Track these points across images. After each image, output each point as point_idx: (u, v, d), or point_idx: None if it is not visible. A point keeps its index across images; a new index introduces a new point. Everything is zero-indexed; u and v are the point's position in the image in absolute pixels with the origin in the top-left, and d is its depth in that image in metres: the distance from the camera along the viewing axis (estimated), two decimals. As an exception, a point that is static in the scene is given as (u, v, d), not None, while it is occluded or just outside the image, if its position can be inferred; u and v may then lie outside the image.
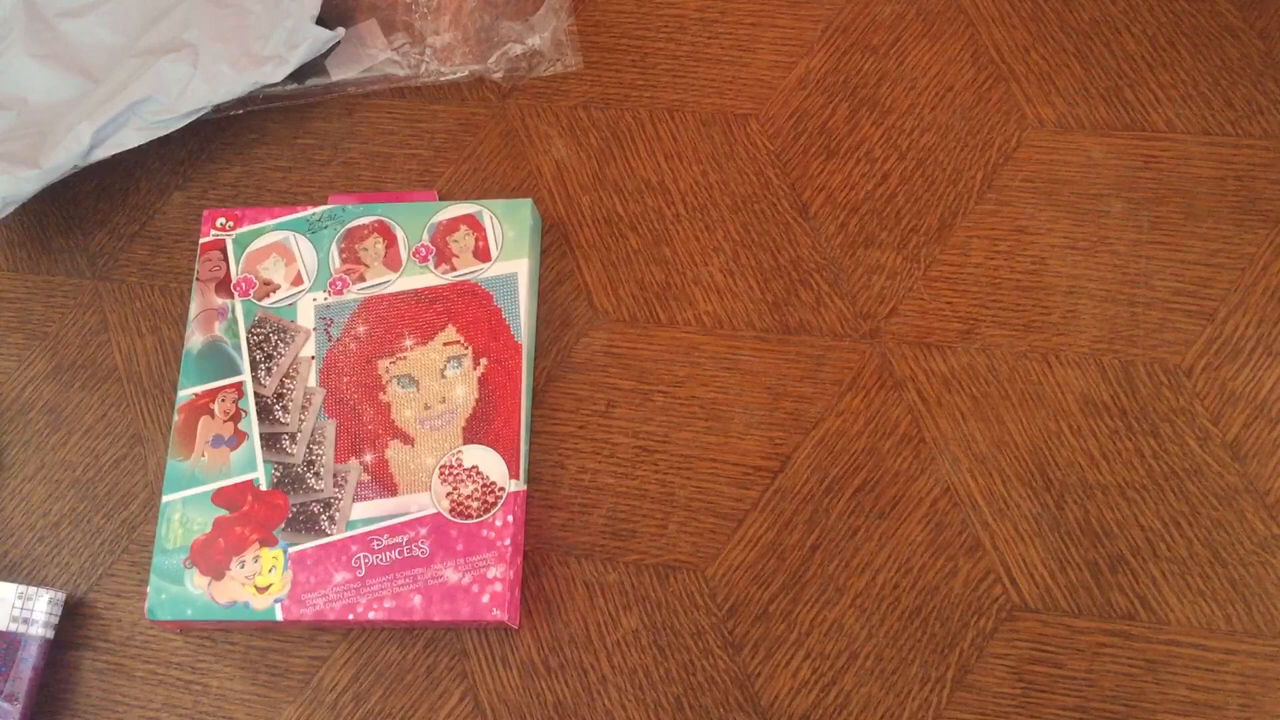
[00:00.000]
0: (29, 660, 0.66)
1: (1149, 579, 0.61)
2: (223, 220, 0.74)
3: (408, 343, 0.69)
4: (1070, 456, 0.64)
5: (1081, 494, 0.63)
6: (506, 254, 0.70)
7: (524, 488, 0.66)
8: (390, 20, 0.79)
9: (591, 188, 0.74)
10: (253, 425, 0.68)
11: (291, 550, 0.65)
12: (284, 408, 0.68)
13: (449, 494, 0.65)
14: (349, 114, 0.79)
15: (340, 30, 0.77)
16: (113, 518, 0.71)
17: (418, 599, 0.63)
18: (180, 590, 0.65)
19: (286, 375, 0.69)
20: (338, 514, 0.66)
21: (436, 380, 0.68)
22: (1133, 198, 0.69)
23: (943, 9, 0.75)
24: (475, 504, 0.65)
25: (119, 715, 0.67)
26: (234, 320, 0.71)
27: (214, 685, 0.66)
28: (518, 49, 0.78)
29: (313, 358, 0.69)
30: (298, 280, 0.71)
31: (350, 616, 0.63)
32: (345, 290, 0.71)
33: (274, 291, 0.71)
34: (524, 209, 0.71)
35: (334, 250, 0.72)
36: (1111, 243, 0.68)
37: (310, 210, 0.73)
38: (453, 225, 0.71)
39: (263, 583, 0.65)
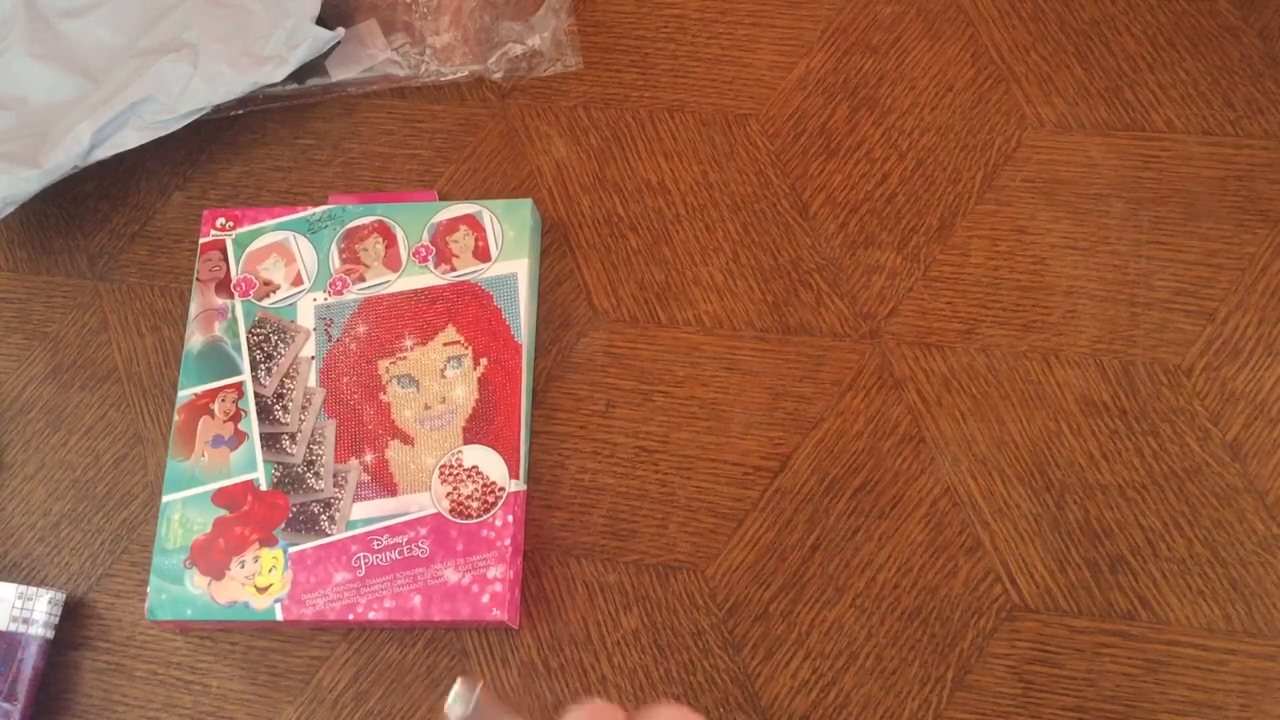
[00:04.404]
0: (29, 660, 0.66)
1: (1149, 579, 0.61)
2: (223, 220, 0.74)
3: (408, 343, 0.69)
4: (1070, 456, 0.64)
5: (1081, 494, 0.63)
6: (506, 254, 0.70)
7: (524, 488, 0.67)
8: (390, 20, 0.79)
9: (591, 188, 0.74)
10: (253, 425, 0.68)
11: (291, 550, 0.65)
12: (284, 408, 0.68)
13: (449, 494, 0.65)
14: (349, 114, 0.79)
15: (340, 30, 0.77)
16: (113, 518, 0.71)
17: (418, 599, 0.63)
18: (180, 590, 0.65)
19: (286, 375, 0.69)
20: (338, 514, 0.66)
21: (436, 380, 0.68)
22: (1133, 198, 0.69)
23: (943, 9, 0.75)
24: (475, 504, 0.65)
25: (119, 715, 0.67)
26: (234, 320, 0.71)
27: (214, 685, 0.66)
28: (518, 49, 0.78)
29: (313, 358, 0.69)
30: (298, 280, 0.71)
31: (350, 616, 0.63)
32: (345, 290, 0.71)
33: (274, 291, 0.71)
34: (524, 209, 0.71)
35: (334, 250, 0.72)
36: (1111, 243, 0.68)
37: (310, 210, 0.73)
38: (453, 225, 0.71)
39: (263, 583, 0.65)
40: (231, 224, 0.74)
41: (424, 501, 0.65)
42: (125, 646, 0.68)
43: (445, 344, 0.69)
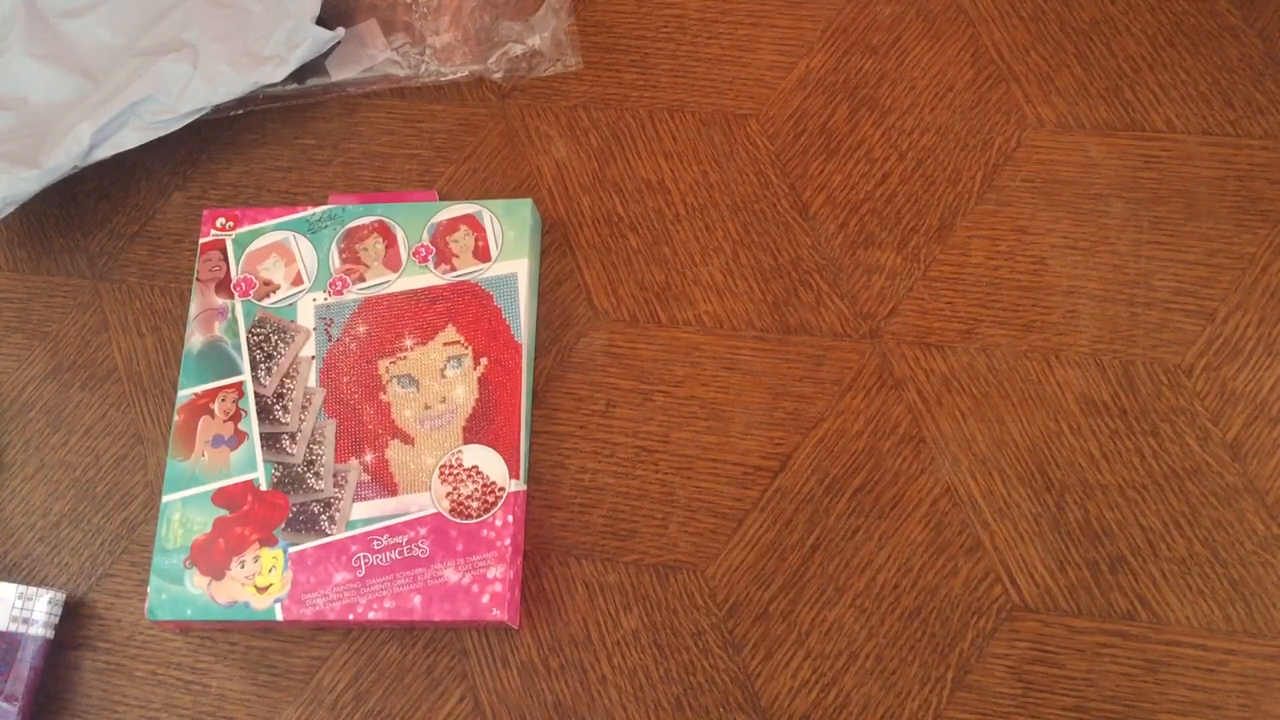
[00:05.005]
0: (29, 660, 0.66)
1: (1149, 579, 0.61)
2: (223, 220, 0.74)
3: (408, 343, 0.69)
4: (1070, 456, 0.64)
5: (1081, 494, 0.63)
6: (506, 254, 0.70)
7: (524, 488, 0.66)
8: (390, 20, 0.79)
9: (591, 188, 0.74)
10: (253, 425, 0.68)
11: (291, 550, 0.65)
12: (284, 408, 0.68)
13: (449, 494, 0.65)
14: (349, 114, 0.79)
15: (340, 30, 0.77)
16: (113, 518, 0.71)
17: (418, 599, 0.63)
18: (180, 590, 0.65)
19: (286, 375, 0.69)
20: (338, 514, 0.66)
21: (436, 380, 0.68)
22: (1133, 198, 0.69)
23: (943, 9, 0.75)
24: (475, 504, 0.65)
25: (119, 715, 0.67)
26: (234, 320, 0.71)
27: (214, 685, 0.66)
28: (518, 49, 0.78)
29: (313, 358, 0.69)
30: (298, 280, 0.71)
31: (350, 616, 0.63)
32: (345, 290, 0.71)
33: (274, 291, 0.71)
34: (524, 209, 0.71)
35: (334, 250, 0.72)
36: (1111, 243, 0.68)
37: (310, 210, 0.73)
38: (453, 225, 0.71)
39: (263, 583, 0.65)
40: (231, 224, 0.74)
41: (424, 501, 0.65)
42: (125, 646, 0.68)
43: (445, 344, 0.69)
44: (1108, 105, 0.71)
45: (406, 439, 0.67)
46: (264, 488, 0.67)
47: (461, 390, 0.67)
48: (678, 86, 0.76)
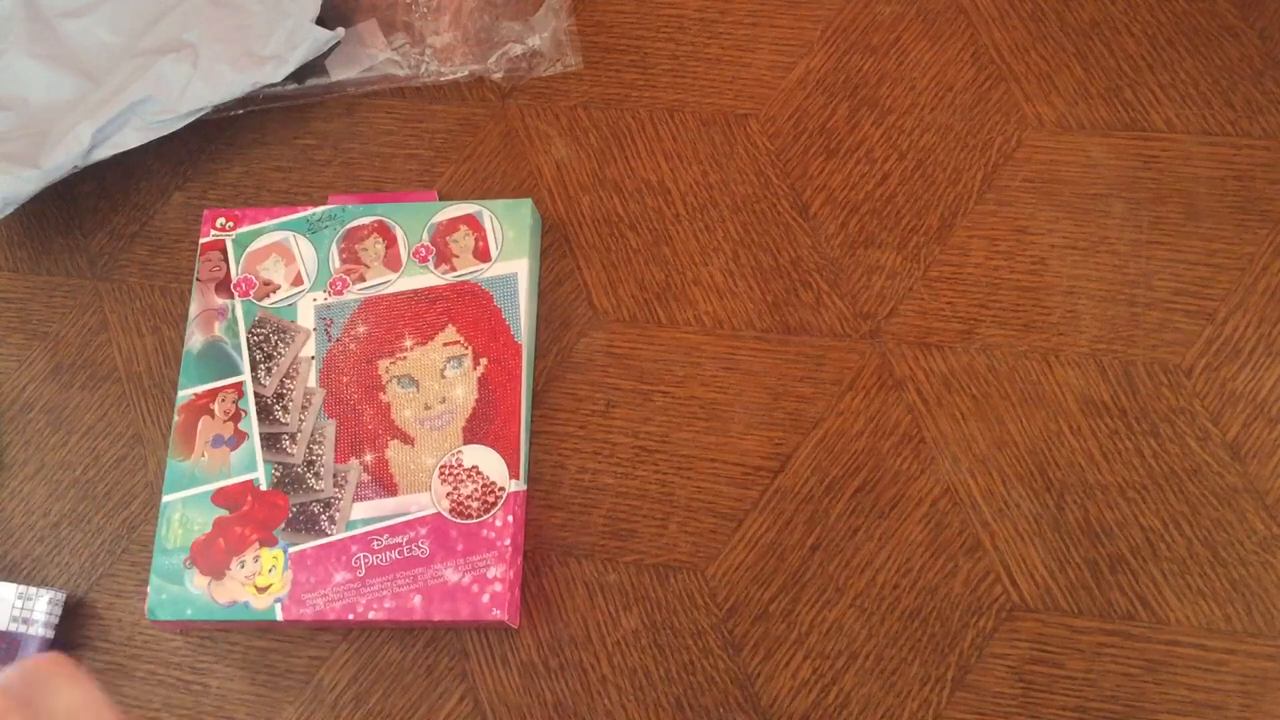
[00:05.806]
0: (29, 660, 0.66)
1: (1149, 579, 0.61)
2: (223, 220, 0.74)
3: (408, 343, 0.69)
4: (1070, 456, 0.64)
5: (1081, 494, 0.63)
6: (506, 254, 0.70)
7: (524, 488, 0.66)
8: (390, 20, 0.79)
9: (591, 188, 0.74)
10: (253, 425, 0.68)
11: (291, 550, 0.65)
12: (284, 408, 0.68)
13: (449, 494, 0.65)
14: (349, 114, 0.79)
15: (340, 30, 0.77)
16: (113, 518, 0.71)
17: (418, 599, 0.63)
18: (180, 590, 0.65)
19: (286, 375, 0.69)
20: (338, 514, 0.66)
21: (436, 380, 0.68)
22: (1133, 198, 0.69)
23: (943, 9, 0.75)
24: (475, 504, 0.65)
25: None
26: (234, 320, 0.71)
27: (214, 685, 0.66)
28: (518, 49, 0.78)
29: (313, 358, 0.69)
30: (298, 280, 0.71)
31: (350, 616, 0.63)
32: (345, 290, 0.71)
33: (274, 291, 0.71)
34: (524, 209, 0.71)
35: (334, 250, 0.72)
36: (1111, 243, 0.68)
37: (310, 210, 0.73)
38: (453, 225, 0.71)
39: (263, 583, 0.65)
40: (231, 224, 0.74)
41: (424, 501, 0.65)
42: (125, 646, 0.68)
43: (445, 344, 0.69)
44: (1107, 105, 0.71)
45: (406, 439, 0.67)
46: (264, 488, 0.67)
47: (461, 390, 0.67)
48: (678, 86, 0.76)
